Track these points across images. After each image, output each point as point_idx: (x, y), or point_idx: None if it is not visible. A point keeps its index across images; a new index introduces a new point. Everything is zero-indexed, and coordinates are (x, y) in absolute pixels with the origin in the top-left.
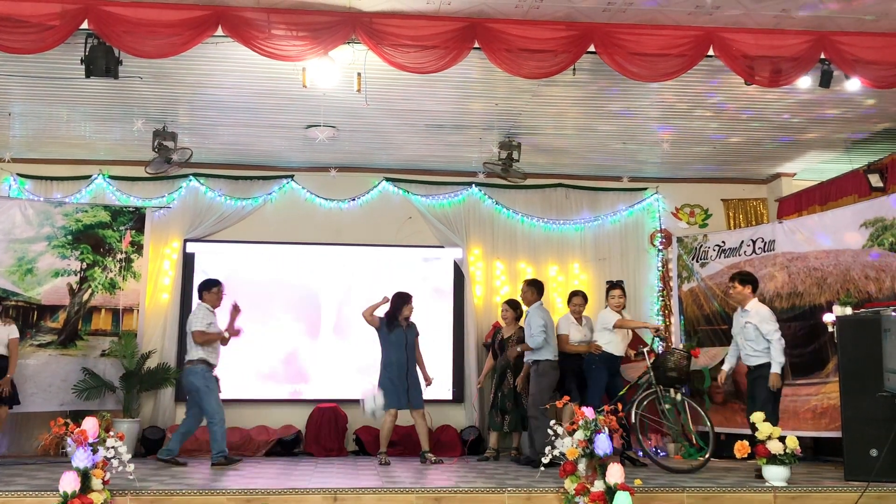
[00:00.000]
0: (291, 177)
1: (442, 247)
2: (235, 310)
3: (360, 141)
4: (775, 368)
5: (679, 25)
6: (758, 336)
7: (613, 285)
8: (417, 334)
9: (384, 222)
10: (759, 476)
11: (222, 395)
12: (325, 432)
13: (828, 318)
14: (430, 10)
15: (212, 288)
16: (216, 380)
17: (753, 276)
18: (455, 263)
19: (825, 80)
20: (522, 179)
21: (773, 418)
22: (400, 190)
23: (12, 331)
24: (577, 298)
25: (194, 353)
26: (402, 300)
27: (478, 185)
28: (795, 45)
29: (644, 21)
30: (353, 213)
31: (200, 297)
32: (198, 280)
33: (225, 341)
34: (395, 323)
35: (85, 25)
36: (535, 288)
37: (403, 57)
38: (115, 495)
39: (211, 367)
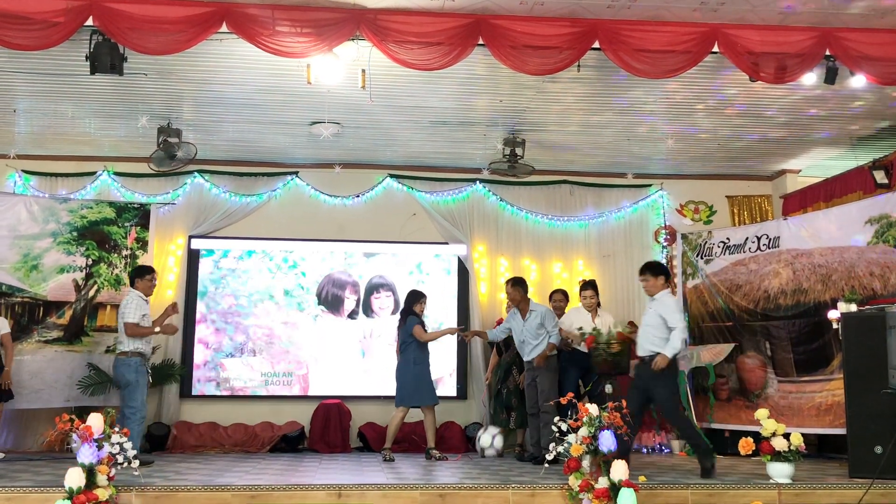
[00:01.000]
0: (296, 173)
1: (446, 243)
2: (173, 308)
3: (365, 137)
4: (667, 351)
5: (684, 22)
6: (660, 324)
7: (585, 285)
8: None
9: (388, 219)
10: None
11: (228, 393)
12: (330, 429)
13: (832, 314)
14: (435, 6)
15: (145, 275)
16: (148, 373)
17: (663, 265)
18: (459, 260)
19: (830, 77)
20: (531, 172)
21: (674, 414)
22: (404, 186)
23: (2, 325)
24: (558, 295)
25: (129, 344)
26: (414, 297)
27: (482, 181)
28: (800, 42)
29: (649, 17)
30: (357, 210)
31: (132, 284)
32: (203, 277)
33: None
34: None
35: (90, 22)
36: (522, 287)
37: (408, 53)
38: (120, 491)
39: (145, 359)
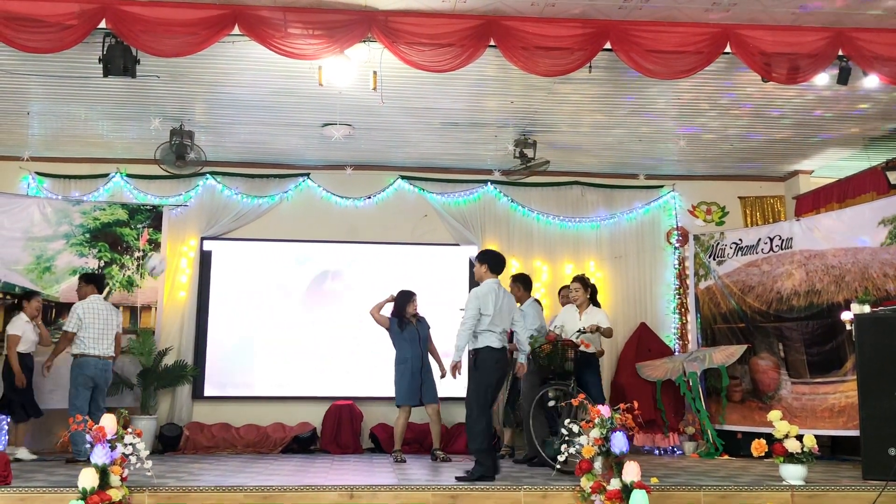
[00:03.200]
0: (307, 175)
1: (457, 245)
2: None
3: (376, 139)
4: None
5: (696, 22)
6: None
7: (574, 279)
8: (429, 327)
9: (400, 220)
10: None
11: (239, 393)
12: (341, 430)
13: (846, 316)
14: (446, 8)
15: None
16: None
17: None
18: (470, 261)
19: (843, 77)
20: (546, 164)
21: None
22: (415, 188)
23: (16, 326)
24: (565, 290)
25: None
26: (405, 297)
27: (493, 182)
28: (813, 42)
29: (660, 18)
30: (368, 212)
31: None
32: (216, 278)
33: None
34: (405, 320)
35: (103, 25)
36: (522, 283)
37: (419, 55)
38: (133, 492)
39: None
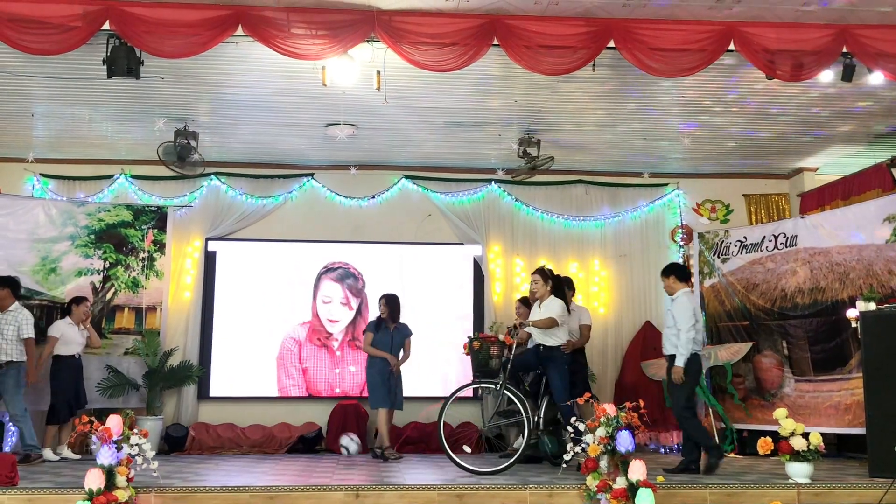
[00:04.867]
0: (311, 175)
1: (461, 244)
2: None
3: (380, 139)
4: (678, 361)
5: (699, 20)
6: (674, 325)
7: (534, 271)
8: (408, 335)
9: (404, 220)
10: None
11: (245, 394)
12: (347, 430)
13: (851, 313)
14: (449, 7)
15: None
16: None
17: (676, 265)
18: (475, 260)
19: (847, 74)
20: (551, 160)
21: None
22: (419, 187)
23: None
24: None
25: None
26: (397, 303)
27: (497, 182)
28: (817, 39)
29: (664, 16)
30: (372, 211)
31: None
32: (220, 278)
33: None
34: (382, 324)
35: (106, 26)
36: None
37: (422, 55)
38: (139, 492)
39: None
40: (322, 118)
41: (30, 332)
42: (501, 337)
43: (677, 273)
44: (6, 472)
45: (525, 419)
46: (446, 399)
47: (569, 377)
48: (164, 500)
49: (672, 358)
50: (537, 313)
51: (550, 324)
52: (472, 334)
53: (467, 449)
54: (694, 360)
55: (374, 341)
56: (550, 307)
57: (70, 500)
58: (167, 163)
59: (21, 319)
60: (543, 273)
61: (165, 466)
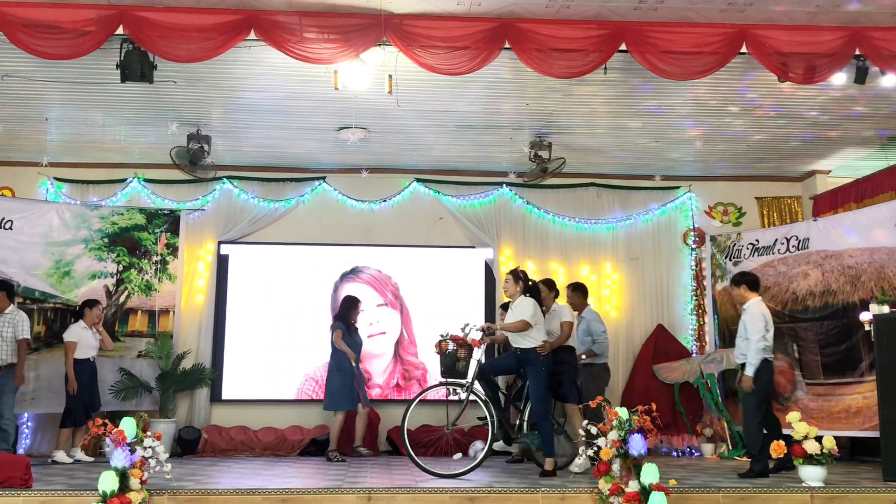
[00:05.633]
0: (323, 178)
1: (473, 247)
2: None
3: (391, 142)
4: (747, 371)
5: (711, 23)
6: (745, 334)
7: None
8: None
9: (415, 223)
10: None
11: (257, 396)
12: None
13: (864, 316)
14: (461, 10)
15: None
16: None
17: (748, 274)
18: (486, 264)
19: (860, 77)
20: (563, 164)
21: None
22: (431, 191)
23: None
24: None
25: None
26: (351, 303)
27: (508, 185)
28: (830, 42)
29: (676, 19)
30: (384, 214)
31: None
32: (232, 281)
33: None
34: (352, 327)
35: (120, 31)
36: (580, 292)
37: (434, 58)
38: (152, 494)
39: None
40: (334, 122)
41: (26, 334)
42: (470, 340)
43: (748, 283)
44: (20, 475)
45: (490, 423)
46: (410, 402)
47: (546, 379)
48: (178, 502)
49: (743, 367)
50: (511, 315)
51: (522, 326)
52: (443, 333)
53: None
54: (765, 366)
55: (348, 343)
56: (521, 308)
57: (84, 502)
58: (179, 162)
59: (18, 321)
60: (515, 274)
61: (178, 469)
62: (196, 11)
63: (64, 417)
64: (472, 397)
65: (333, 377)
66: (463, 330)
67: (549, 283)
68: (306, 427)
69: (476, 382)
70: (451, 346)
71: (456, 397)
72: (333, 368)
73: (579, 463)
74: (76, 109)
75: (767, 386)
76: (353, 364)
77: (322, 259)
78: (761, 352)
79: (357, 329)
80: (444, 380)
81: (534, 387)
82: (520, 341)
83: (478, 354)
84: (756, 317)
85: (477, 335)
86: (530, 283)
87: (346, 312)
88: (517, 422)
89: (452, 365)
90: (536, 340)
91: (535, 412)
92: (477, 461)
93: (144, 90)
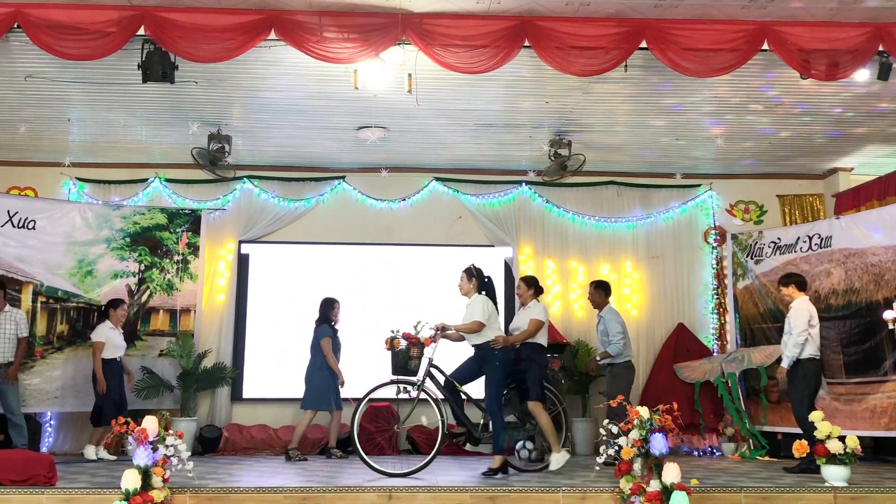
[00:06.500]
0: (343, 178)
1: (492, 246)
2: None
3: (411, 141)
4: (783, 363)
5: (732, 20)
6: (789, 330)
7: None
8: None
9: (434, 222)
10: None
11: (278, 395)
12: (379, 431)
13: (888, 315)
14: (480, 9)
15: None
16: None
17: (797, 275)
18: (505, 263)
19: (884, 73)
20: (582, 162)
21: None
22: (450, 189)
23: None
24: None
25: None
26: (330, 305)
27: (528, 183)
28: (852, 38)
29: (696, 16)
30: (403, 213)
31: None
32: (253, 280)
33: None
34: (334, 328)
35: (141, 32)
36: (602, 290)
37: (453, 57)
38: (174, 493)
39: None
40: (354, 121)
41: (26, 332)
42: (423, 339)
43: (797, 283)
44: (44, 472)
45: (440, 421)
46: (359, 401)
47: (502, 374)
48: (199, 500)
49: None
50: (465, 315)
51: (476, 328)
52: (394, 330)
53: None
54: (813, 362)
55: (333, 344)
56: (472, 307)
57: (107, 500)
58: (200, 161)
59: (19, 319)
60: (468, 271)
61: (200, 467)
62: (217, 11)
63: (96, 416)
64: (422, 396)
65: (314, 376)
66: (415, 327)
67: (529, 281)
68: (326, 426)
69: (427, 381)
70: (402, 343)
71: (406, 395)
72: (315, 368)
73: (557, 458)
74: (98, 110)
75: (814, 381)
76: (340, 383)
77: (341, 258)
78: (799, 347)
79: (337, 330)
80: (394, 378)
81: (488, 380)
82: (473, 338)
83: (430, 353)
84: (801, 312)
85: (429, 333)
86: (485, 279)
87: (327, 314)
88: (482, 421)
89: (405, 363)
90: (488, 336)
91: (487, 406)
92: (425, 461)
93: (166, 90)
